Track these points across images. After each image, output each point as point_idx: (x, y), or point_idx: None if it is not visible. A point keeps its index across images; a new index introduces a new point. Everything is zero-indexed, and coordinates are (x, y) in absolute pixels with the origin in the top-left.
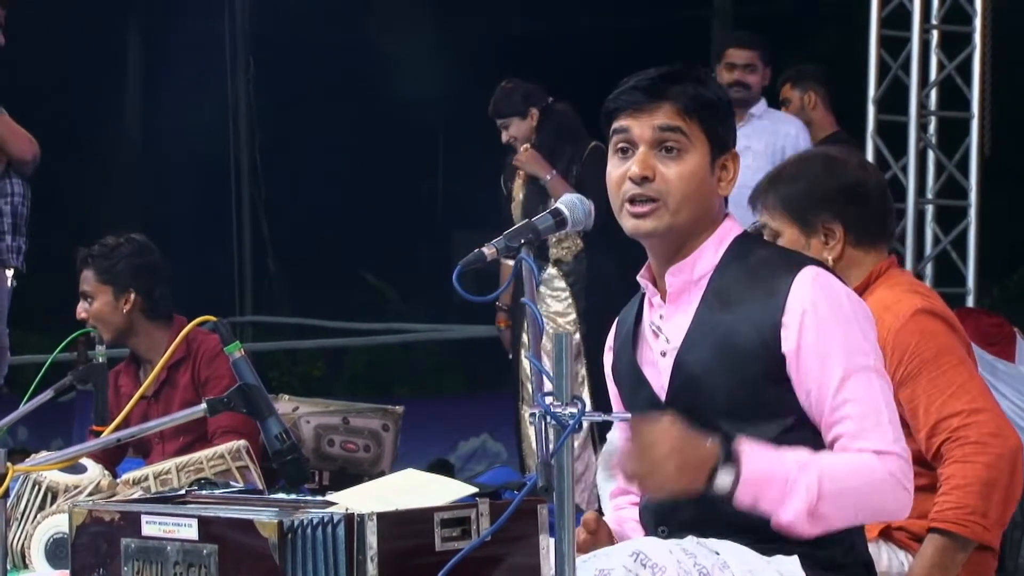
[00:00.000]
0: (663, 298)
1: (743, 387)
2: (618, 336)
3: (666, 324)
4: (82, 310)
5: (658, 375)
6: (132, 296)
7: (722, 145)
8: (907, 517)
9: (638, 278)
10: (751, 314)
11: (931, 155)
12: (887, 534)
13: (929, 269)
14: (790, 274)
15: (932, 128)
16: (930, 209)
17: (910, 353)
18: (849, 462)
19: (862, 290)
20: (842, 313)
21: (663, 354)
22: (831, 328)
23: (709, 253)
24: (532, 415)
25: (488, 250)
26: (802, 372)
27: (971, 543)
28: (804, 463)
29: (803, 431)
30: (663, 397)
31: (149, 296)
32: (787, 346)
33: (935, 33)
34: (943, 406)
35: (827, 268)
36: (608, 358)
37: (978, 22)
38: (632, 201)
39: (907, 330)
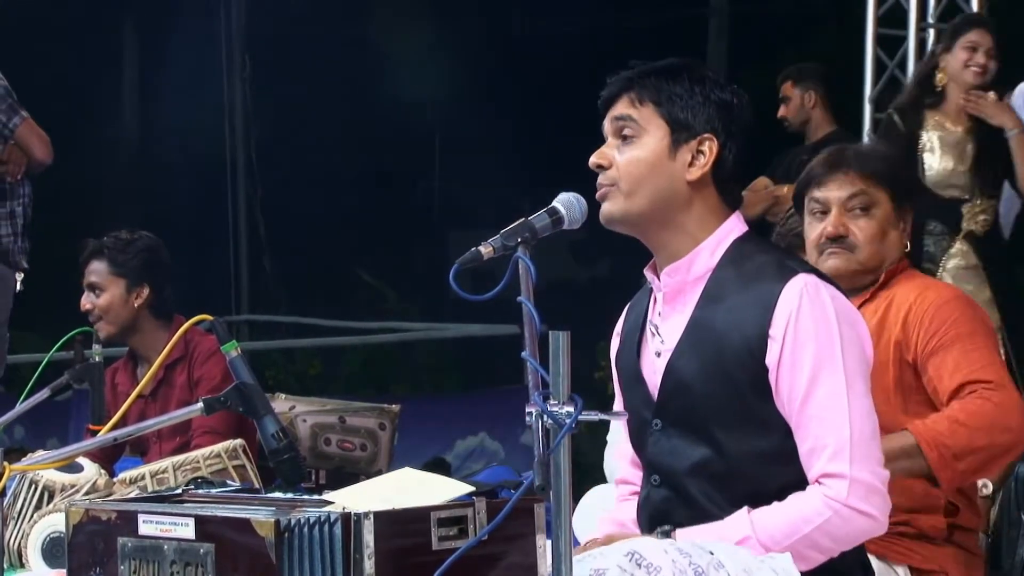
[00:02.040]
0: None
1: (731, 397)
2: (626, 323)
3: (663, 324)
4: (88, 302)
5: (654, 374)
6: (146, 291)
7: (686, 129)
8: (913, 507)
9: (644, 271)
10: (741, 323)
11: None
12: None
13: None
14: (780, 283)
15: None
16: None
17: (950, 323)
18: (786, 518)
19: (884, 284)
20: (823, 327)
21: (658, 354)
22: (806, 342)
23: (705, 254)
24: (529, 413)
25: (485, 249)
26: (778, 384)
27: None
28: (742, 537)
29: (793, 444)
30: (655, 398)
31: (160, 293)
32: (770, 358)
33: (931, 32)
34: (972, 373)
35: (822, 276)
36: (615, 344)
37: None
38: (596, 188)
39: (951, 305)
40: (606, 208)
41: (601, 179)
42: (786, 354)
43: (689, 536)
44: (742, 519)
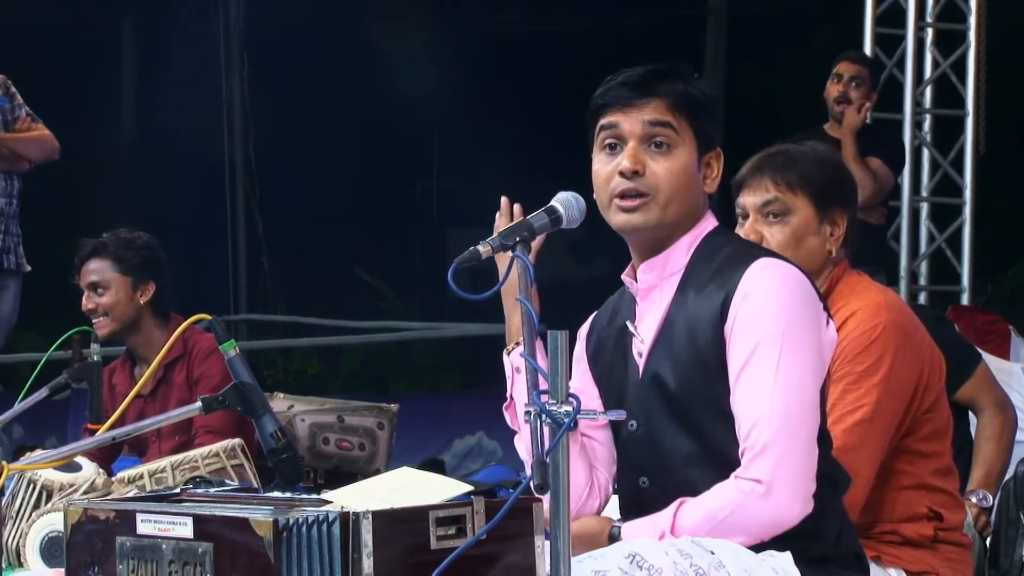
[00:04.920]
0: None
1: (708, 384)
2: (599, 327)
3: (641, 324)
4: (91, 301)
5: (636, 374)
6: (151, 289)
7: (708, 143)
8: (896, 517)
9: (623, 277)
10: (709, 310)
11: (926, 153)
12: (877, 539)
13: (924, 267)
14: (744, 266)
15: (927, 126)
16: (925, 207)
17: (852, 356)
18: (704, 510)
19: (828, 290)
20: (772, 303)
21: (639, 355)
22: (754, 318)
23: (681, 251)
24: (527, 413)
25: (483, 248)
26: (728, 359)
27: None
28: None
29: None
30: (636, 397)
31: (162, 292)
32: (726, 333)
33: (930, 31)
34: (837, 421)
35: (788, 261)
36: (579, 347)
37: (973, 20)
38: (622, 196)
39: (859, 340)
40: (639, 218)
41: (636, 186)
42: (735, 331)
43: (632, 530)
44: (668, 513)
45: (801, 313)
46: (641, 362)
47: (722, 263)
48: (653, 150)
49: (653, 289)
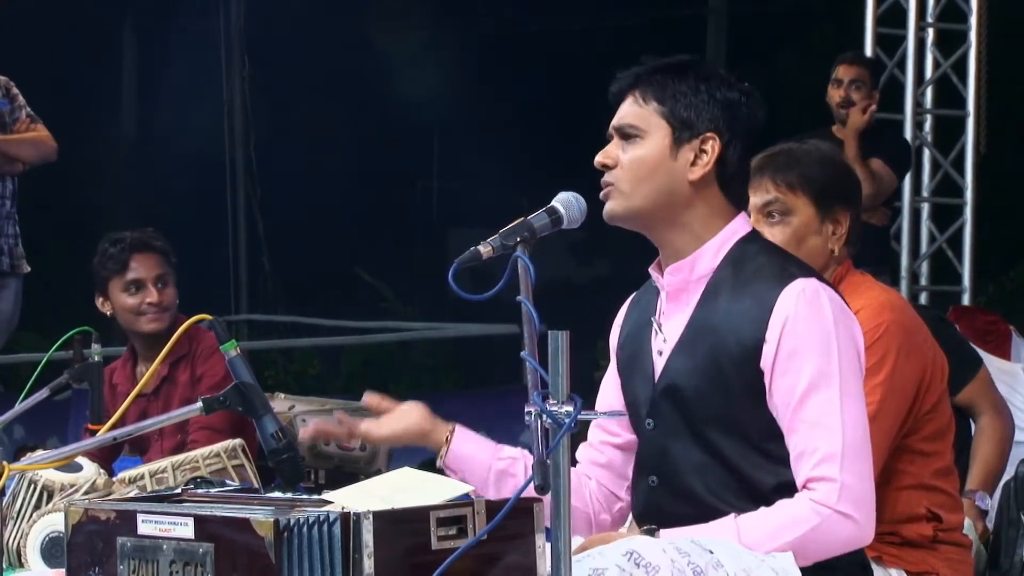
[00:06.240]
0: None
1: (725, 399)
2: (630, 318)
3: (666, 322)
4: (161, 294)
5: (654, 374)
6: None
7: (687, 128)
8: (896, 518)
9: (649, 270)
10: (738, 326)
11: (927, 153)
12: (878, 540)
13: (925, 267)
14: (779, 287)
15: (928, 126)
16: (926, 207)
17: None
18: (773, 524)
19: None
20: (820, 334)
21: (659, 353)
22: (803, 349)
23: (709, 255)
24: (528, 413)
25: (484, 248)
26: (772, 388)
27: None
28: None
29: (785, 449)
30: (651, 397)
31: None
32: (765, 362)
33: (931, 31)
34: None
35: (821, 279)
36: (614, 337)
37: (973, 20)
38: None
39: (869, 335)
40: (608, 207)
41: (605, 178)
42: (781, 359)
43: (674, 535)
44: (728, 525)
45: (847, 339)
46: (661, 362)
47: (753, 275)
48: (625, 142)
49: (681, 292)
